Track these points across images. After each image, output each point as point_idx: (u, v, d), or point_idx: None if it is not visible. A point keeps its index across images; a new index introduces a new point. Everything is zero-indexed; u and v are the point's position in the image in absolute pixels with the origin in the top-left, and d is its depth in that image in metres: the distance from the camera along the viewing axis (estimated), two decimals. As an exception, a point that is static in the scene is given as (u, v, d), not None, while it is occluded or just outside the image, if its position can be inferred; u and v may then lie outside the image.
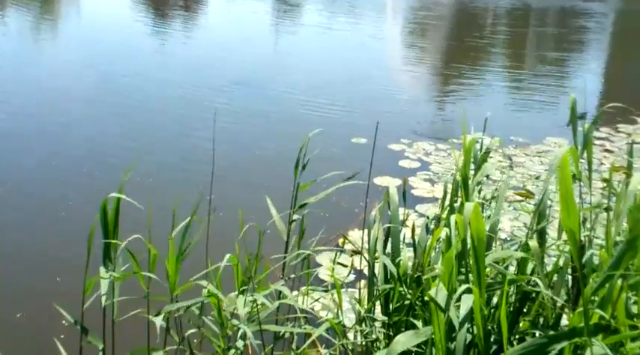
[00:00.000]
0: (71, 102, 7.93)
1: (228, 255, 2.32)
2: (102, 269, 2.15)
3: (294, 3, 16.94)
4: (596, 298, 1.68)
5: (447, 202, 3.01)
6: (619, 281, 1.46)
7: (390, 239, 2.94)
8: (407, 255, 2.80)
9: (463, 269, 2.05)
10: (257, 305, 2.34)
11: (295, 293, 3.02)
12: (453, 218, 1.79)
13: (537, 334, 2.49)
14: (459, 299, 1.58)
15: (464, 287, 1.44)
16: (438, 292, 1.44)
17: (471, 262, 1.51)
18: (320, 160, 3.25)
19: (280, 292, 2.58)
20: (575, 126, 2.73)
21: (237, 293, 2.32)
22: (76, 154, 6.26)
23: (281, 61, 11.04)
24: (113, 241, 2.15)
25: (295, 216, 2.90)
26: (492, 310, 2.34)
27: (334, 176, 3.05)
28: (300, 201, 2.91)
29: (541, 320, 2.59)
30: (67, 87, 8.59)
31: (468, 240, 1.61)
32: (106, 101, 8.04)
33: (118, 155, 6.16)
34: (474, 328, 1.51)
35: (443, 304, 1.41)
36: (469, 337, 1.48)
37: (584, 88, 9.47)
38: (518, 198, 5.61)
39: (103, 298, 2.18)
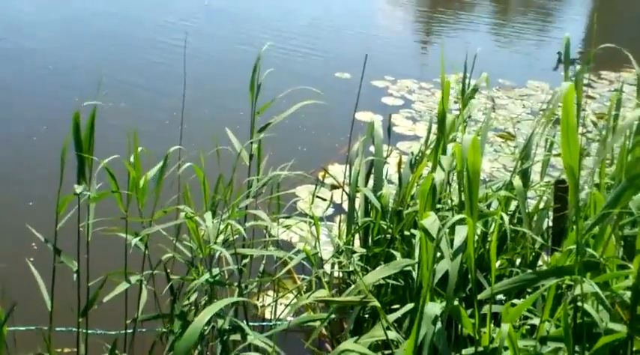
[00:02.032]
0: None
1: (189, 164, 2.26)
2: (76, 186, 2.06)
3: None
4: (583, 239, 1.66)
5: (431, 138, 2.97)
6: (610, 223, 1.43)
7: (372, 172, 2.90)
8: (388, 191, 2.77)
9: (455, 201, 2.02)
10: (230, 228, 2.29)
11: (274, 224, 2.98)
12: (450, 147, 1.74)
13: (514, 272, 2.51)
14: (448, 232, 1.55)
15: (457, 217, 1.40)
16: (429, 222, 1.40)
17: (465, 194, 1.47)
18: (301, 93, 3.12)
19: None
20: (567, 64, 2.67)
21: (207, 210, 2.26)
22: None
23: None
24: (88, 156, 2.04)
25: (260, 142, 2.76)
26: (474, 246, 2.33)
27: (312, 113, 2.90)
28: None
29: (518, 259, 2.60)
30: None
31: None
32: (71, 29, 7.71)
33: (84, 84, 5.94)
34: (464, 259, 1.49)
35: (433, 234, 1.38)
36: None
37: (569, 34, 9.33)
38: (499, 140, 5.60)
39: (78, 212, 2.10)
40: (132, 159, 2.21)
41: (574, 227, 1.79)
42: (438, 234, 1.34)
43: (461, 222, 1.40)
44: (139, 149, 2.23)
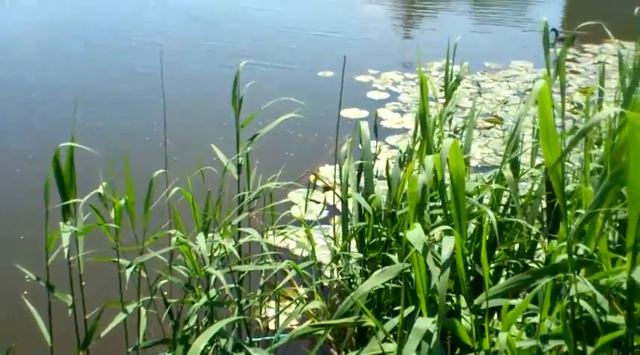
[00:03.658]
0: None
1: (177, 188, 2.24)
2: (61, 224, 2.05)
3: None
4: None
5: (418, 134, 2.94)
6: (601, 216, 1.42)
7: (362, 174, 2.88)
8: (380, 188, 2.75)
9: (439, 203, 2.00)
10: (224, 248, 2.27)
11: (270, 233, 2.96)
12: (429, 158, 1.72)
13: (511, 264, 2.50)
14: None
15: (442, 228, 1.38)
16: (415, 234, 1.38)
17: (449, 198, 1.45)
18: (286, 97, 3.08)
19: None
20: (547, 50, 2.65)
21: (199, 230, 2.24)
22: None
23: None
24: (72, 201, 2.03)
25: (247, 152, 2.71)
26: (469, 241, 2.32)
27: (298, 114, 2.85)
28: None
29: (516, 245, 2.58)
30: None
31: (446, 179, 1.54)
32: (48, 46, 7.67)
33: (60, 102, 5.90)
34: (455, 269, 1.47)
35: (420, 245, 1.36)
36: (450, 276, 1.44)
37: (550, 11, 9.37)
38: (488, 124, 5.58)
39: (66, 251, 2.08)
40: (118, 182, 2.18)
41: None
42: (426, 245, 1.33)
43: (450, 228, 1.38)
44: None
